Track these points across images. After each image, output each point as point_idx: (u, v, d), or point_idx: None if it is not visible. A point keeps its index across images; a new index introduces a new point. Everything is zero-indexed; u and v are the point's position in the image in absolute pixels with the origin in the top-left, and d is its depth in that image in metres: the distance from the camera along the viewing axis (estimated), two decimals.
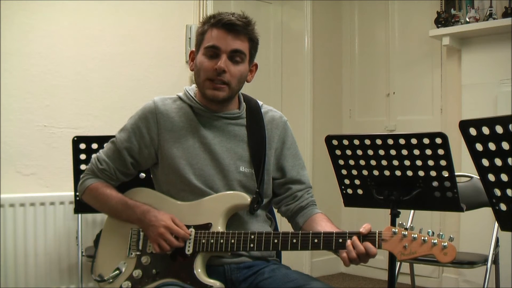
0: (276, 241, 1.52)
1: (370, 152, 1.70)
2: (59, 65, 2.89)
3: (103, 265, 1.69)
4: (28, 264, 2.68)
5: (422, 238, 1.39)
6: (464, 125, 1.43)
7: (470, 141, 1.43)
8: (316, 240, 1.48)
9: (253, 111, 1.76)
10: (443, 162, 1.61)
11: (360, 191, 1.80)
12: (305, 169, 1.81)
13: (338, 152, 1.76)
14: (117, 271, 1.64)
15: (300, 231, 1.58)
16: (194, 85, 1.78)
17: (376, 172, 1.73)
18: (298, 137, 1.85)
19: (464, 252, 2.76)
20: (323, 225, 1.64)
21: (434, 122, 3.79)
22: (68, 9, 2.91)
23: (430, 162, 1.63)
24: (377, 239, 1.43)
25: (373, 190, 1.75)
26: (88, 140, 2.34)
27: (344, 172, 1.79)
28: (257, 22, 1.71)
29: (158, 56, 3.25)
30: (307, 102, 4.11)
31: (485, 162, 1.42)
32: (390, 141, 1.66)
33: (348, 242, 1.44)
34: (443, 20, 3.54)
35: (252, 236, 1.54)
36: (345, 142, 1.73)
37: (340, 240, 1.46)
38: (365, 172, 1.75)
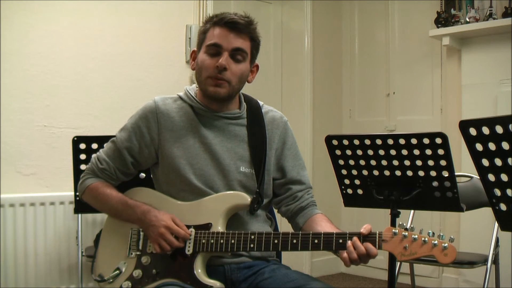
0: (276, 241, 1.52)
1: (370, 152, 1.70)
2: (59, 65, 2.89)
3: (103, 265, 1.69)
4: (28, 264, 2.68)
5: (423, 239, 1.39)
6: (464, 125, 1.43)
7: (470, 141, 1.43)
8: (316, 241, 1.48)
9: (254, 111, 1.76)
10: (443, 162, 1.61)
11: (360, 191, 1.80)
12: (306, 170, 1.81)
13: (338, 152, 1.76)
14: (117, 271, 1.64)
15: (300, 232, 1.58)
16: (194, 85, 1.78)
17: (376, 172, 1.73)
18: (298, 137, 1.85)
19: (464, 252, 2.76)
20: (323, 225, 1.64)
21: (434, 122, 3.79)
22: (68, 9, 2.91)
23: (430, 162, 1.63)
24: (377, 240, 1.43)
25: (373, 190, 1.75)
26: (88, 140, 2.34)
27: (344, 172, 1.80)
28: (257, 22, 1.71)
29: (158, 56, 3.25)
30: (307, 102, 4.11)
31: (485, 162, 1.42)
32: (390, 141, 1.66)
33: (349, 243, 1.44)
34: (443, 20, 3.54)
35: (252, 237, 1.54)
36: (345, 142, 1.73)
37: (340, 241, 1.46)
38: (365, 172, 1.75)
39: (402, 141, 1.64)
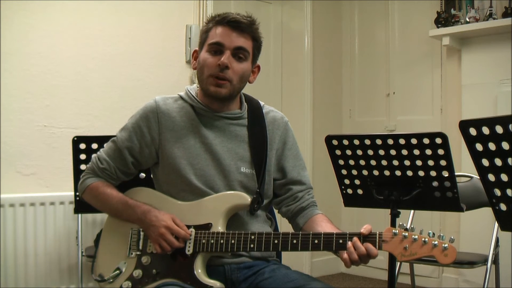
0: (276, 241, 1.52)
1: (370, 152, 1.70)
2: (59, 65, 2.89)
3: (103, 265, 1.69)
4: (28, 264, 2.68)
5: (423, 239, 1.39)
6: (464, 125, 1.43)
7: (470, 141, 1.43)
8: (316, 241, 1.48)
9: (255, 112, 1.76)
10: (443, 162, 1.61)
11: (360, 191, 1.80)
12: (306, 170, 1.81)
13: (338, 152, 1.76)
14: (118, 271, 1.64)
15: (300, 232, 1.58)
16: (195, 85, 1.78)
17: (376, 172, 1.73)
18: (298, 137, 1.85)
19: (464, 252, 2.76)
20: (324, 226, 1.64)
21: (434, 122, 3.79)
22: (68, 9, 2.91)
23: (430, 162, 1.63)
24: (377, 240, 1.43)
25: (373, 190, 1.75)
26: (88, 140, 2.34)
27: (344, 172, 1.80)
28: (259, 22, 1.71)
29: (158, 56, 3.25)
30: (307, 102, 4.11)
31: (485, 162, 1.43)
32: (390, 141, 1.66)
33: (349, 243, 1.44)
34: (443, 20, 3.54)
35: (252, 237, 1.54)
36: (345, 142, 1.73)
37: (341, 241, 1.46)
38: (365, 172, 1.75)
39: (402, 141, 1.64)
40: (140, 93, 3.12)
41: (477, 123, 1.40)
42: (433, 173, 1.64)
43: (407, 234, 1.40)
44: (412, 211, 2.74)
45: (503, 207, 1.46)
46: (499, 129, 1.37)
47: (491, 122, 1.38)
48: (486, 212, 1.98)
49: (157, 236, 1.58)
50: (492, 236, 2.51)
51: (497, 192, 1.44)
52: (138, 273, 1.62)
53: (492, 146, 1.40)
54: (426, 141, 1.60)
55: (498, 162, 1.40)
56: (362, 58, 4.29)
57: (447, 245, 1.37)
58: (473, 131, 1.42)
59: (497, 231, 2.51)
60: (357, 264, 1.44)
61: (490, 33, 3.38)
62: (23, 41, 2.76)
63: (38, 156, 2.81)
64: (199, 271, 1.56)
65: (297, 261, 3.87)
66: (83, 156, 2.33)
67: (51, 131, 2.86)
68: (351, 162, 1.76)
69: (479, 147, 1.42)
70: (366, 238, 1.44)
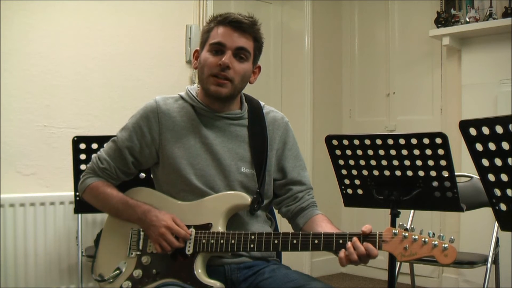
0: (276, 241, 1.52)
1: (370, 152, 1.70)
2: (59, 65, 2.89)
3: (103, 265, 1.69)
4: (28, 264, 2.68)
5: (423, 239, 1.39)
6: (464, 125, 1.43)
7: (470, 141, 1.43)
8: (316, 241, 1.48)
9: (255, 112, 1.76)
10: (443, 162, 1.61)
11: (360, 191, 1.80)
12: (306, 170, 1.81)
13: (338, 152, 1.76)
14: (118, 271, 1.64)
15: (300, 232, 1.58)
16: (196, 85, 1.78)
17: (376, 172, 1.73)
18: (298, 137, 1.85)
19: (464, 252, 2.76)
20: (324, 226, 1.64)
21: (434, 122, 3.79)
22: (68, 9, 2.91)
23: (430, 162, 1.63)
24: (377, 240, 1.43)
25: (373, 190, 1.75)
26: (88, 140, 2.34)
27: (344, 172, 1.80)
28: (261, 23, 1.72)
29: (158, 56, 3.25)
30: (307, 102, 4.11)
31: (485, 162, 1.43)
32: (390, 141, 1.66)
33: (349, 244, 1.44)
34: (443, 20, 3.54)
35: (253, 237, 1.54)
36: (345, 142, 1.73)
37: (341, 241, 1.46)
38: (365, 172, 1.75)
39: (402, 141, 1.64)
40: (140, 93, 3.12)
41: (477, 123, 1.40)
42: (433, 173, 1.64)
43: (407, 234, 1.40)
44: (412, 211, 2.74)
45: (503, 207, 1.46)
46: (499, 129, 1.37)
47: (491, 122, 1.38)
48: (486, 212, 1.98)
49: (157, 236, 1.58)
50: (492, 236, 2.51)
51: (497, 192, 1.44)
52: (138, 273, 1.62)
53: (492, 146, 1.40)
54: (426, 141, 1.60)
55: (498, 162, 1.40)
56: (362, 58, 4.29)
57: (447, 245, 1.37)
58: (473, 131, 1.42)
59: (497, 231, 2.51)
60: (356, 264, 1.44)
61: (490, 33, 3.38)
62: (23, 41, 2.76)
63: (38, 156, 2.81)
64: (199, 271, 1.56)
65: (297, 261, 3.87)
66: (83, 156, 2.33)
67: (51, 131, 2.86)
68: (351, 162, 1.76)
69: (479, 147, 1.42)
70: (366, 238, 1.44)
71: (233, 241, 1.55)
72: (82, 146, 2.34)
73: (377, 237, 1.43)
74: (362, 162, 1.74)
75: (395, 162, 1.68)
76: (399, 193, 1.70)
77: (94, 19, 3.00)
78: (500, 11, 3.35)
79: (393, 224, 1.68)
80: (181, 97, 1.74)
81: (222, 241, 1.56)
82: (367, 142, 1.69)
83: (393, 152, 1.66)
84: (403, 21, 4.01)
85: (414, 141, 1.62)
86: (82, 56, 2.96)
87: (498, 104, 3.31)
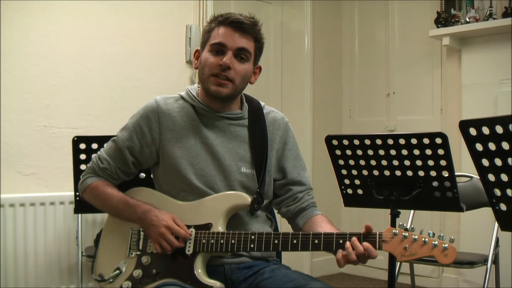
0: (276, 241, 1.52)
1: (370, 152, 1.70)
2: (59, 65, 2.89)
3: (103, 265, 1.69)
4: (28, 264, 2.68)
5: (423, 239, 1.39)
6: (464, 125, 1.43)
7: (470, 141, 1.43)
8: (316, 241, 1.48)
9: (255, 112, 1.76)
10: (443, 162, 1.61)
11: (360, 191, 1.80)
12: (306, 171, 1.81)
13: (338, 152, 1.76)
14: (118, 271, 1.64)
15: (300, 232, 1.58)
16: (196, 85, 1.78)
17: (376, 172, 1.73)
18: (298, 137, 1.85)
19: (464, 252, 2.76)
20: (323, 226, 1.64)
21: (434, 122, 3.79)
22: (68, 9, 2.91)
23: (430, 162, 1.63)
24: (377, 240, 1.43)
25: (373, 190, 1.75)
26: (88, 140, 2.34)
27: (344, 172, 1.80)
28: (261, 23, 1.72)
29: (158, 56, 3.25)
30: (307, 102, 4.11)
31: (485, 162, 1.43)
32: (390, 141, 1.66)
33: (347, 244, 1.44)
34: (443, 20, 3.54)
35: (253, 237, 1.54)
36: (345, 142, 1.73)
37: (341, 241, 1.46)
38: (365, 172, 1.75)
39: (402, 141, 1.64)
40: (140, 93, 3.12)
41: (477, 123, 1.40)
42: (433, 173, 1.64)
43: (407, 234, 1.40)
44: (412, 211, 2.74)
45: (503, 207, 1.46)
46: (499, 129, 1.37)
47: (491, 122, 1.38)
48: (486, 212, 1.98)
49: (157, 235, 1.58)
50: (492, 236, 2.51)
51: (497, 192, 1.44)
52: (138, 273, 1.62)
53: (492, 146, 1.40)
54: (426, 141, 1.60)
55: (498, 162, 1.40)
56: (362, 58, 4.29)
57: (447, 245, 1.37)
58: (473, 131, 1.42)
59: (497, 231, 2.51)
60: (355, 263, 1.44)
61: (490, 33, 3.38)
62: (23, 41, 2.76)
63: (38, 156, 2.81)
64: (199, 271, 1.56)
65: (297, 261, 3.87)
66: (83, 156, 2.33)
67: (51, 131, 2.86)
68: (351, 162, 1.76)
69: (479, 147, 1.42)
70: (366, 238, 1.44)
71: (233, 241, 1.55)
72: (82, 146, 2.34)
73: (377, 237, 1.43)
74: (362, 162, 1.74)
75: (395, 162, 1.68)
76: (399, 193, 1.70)
77: (94, 19, 3.00)
78: (500, 11, 3.35)
79: (393, 224, 1.68)
80: (182, 97, 1.74)
81: (222, 241, 1.56)
82: (367, 142, 1.69)
83: (393, 152, 1.66)
84: (403, 21, 4.01)
85: (414, 141, 1.62)
86: (82, 56, 2.96)
87: (498, 104, 3.31)
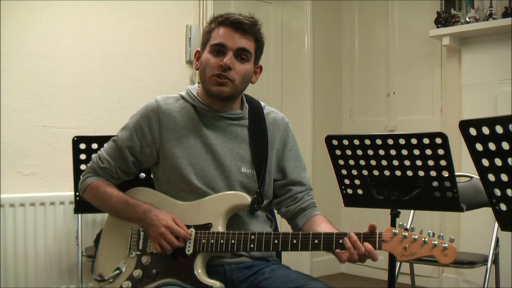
0: (276, 241, 1.52)
1: (370, 152, 1.71)
2: (59, 65, 2.89)
3: (103, 265, 1.69)
4: (28, 264, 2.68)
5: (423, 239, 1.39)
6: (464, 125, 1.43)
7: (470, 141, 1.43)
8: (316, 241, 1.48)
9: (256, 112, 1.76)
10: (443, 162, 1.61)
11: (360, 191, 1.80)
12: (306, 171, 1.81)
13: (338, 152, 1.77)
14: (118, 271, 1.64)
15: (300, 232, 1.58)
16: (196, 85, 1.78)
17: (376, 172, 1.73)
18: (298, 137, 1.85)
19: (464, 252, 2.76)
20: (323, 226, 1.64)
21: (434, 122, 3.79)
22: (68, 9, 2.91)
23: (430, 162, 1.63)
24: (377, 240, 1.43)
25: (373, 190, 1.75)
26: (88, 140, 2.34)
27: (344, 172, 1.80)
28: (261, 23, 1.72)
29: (158, 56, 3.25)
30: (307, 102, 4.11)
31: (485, 162, 1.43)
32: (390, 141, 1.66)
33: (349, 243, 1.44)
34: (443, 20, 3.54)
35: (252, 237, 1.54)
36: (345, 142, 1.74)
37: (340, 241, 1.46)
38: (365, 172, 1.75)
39: (402, 141, 1.64)
40: (140, 93, 3.12)
41: (477, 123, 1.40)
42: (433, 173, 1.64)
43: (407, 234, 1.40)
44: (412, 211, 2.74)
45: (503, 207, 1.46)
46: (499, 129, 1.37)
47: (491, 122, 1.38)
48: (486, 212, 1.98)
49: (157, 235, 1.58)
50: (492, 236, 2.51)
51: (497, 192, 1.44)
52: (138, 273, 1.62)
53: (492, 146, 1.40)
54: (426, 141, 1.60)
55: (498, 162, 1.40)
56: (362, 58, 4.29)
57: (447, 245, 1.37)
58: (473, 131, 1.42)
59: (497, 231, 2.51)
60: (355, 262, 1.44)
61: (490, 33, 3.38)
62: (23, 41, 2.76)
63: (38, 156, 2.81)
64: (199, 271, 1.56)
65: (297, 261, 3.87)
66: (83, 156, 2.33)
67: (51, 131, 2.86)
68: (351, 162, 1.76)
69: (479, 147, 1.42)
70: (366, 238, 1.44)
71: (233, 241, 1.55)
72: (82, 146, 2.33)
73: (377, 237, 1.43)
74: (362, 162, 1.74)
75: (395, 162, 1.68)
76: (399, 193, 1.70)
77: (94, 19, 3.00)
78: (500, 11, 3.35)
79: (393, 224, 1.68)
80: (182, 97, 1.75)
81: (222, 241, 1.56)
82: (367, 142, 1.70)
83: (393, 152, 1.67)
84: (403, 21, 4.01)
85: (414, 141, 1.62)
86: (82, 56, 2.96)
87: (498, 104, 3.31)
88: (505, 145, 1.37)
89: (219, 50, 1.64)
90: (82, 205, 2.23)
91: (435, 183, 1.66)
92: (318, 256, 4.03)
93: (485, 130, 1.39)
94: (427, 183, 1.67)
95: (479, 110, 3.34)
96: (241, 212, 1.66)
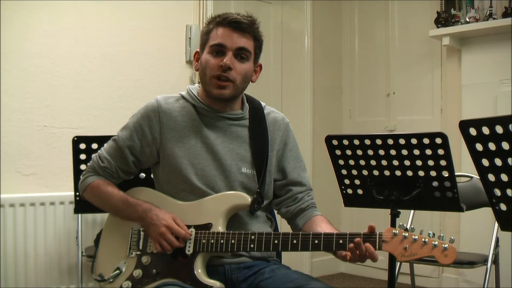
0: (276, 241, 1.52)
1: (370, 152, 1.71)
2: (59, 65, 2.89)
3: (103, 265, 1.69)
4: (28, 264, 2.68)
5: (423, 239, 1.39)
6: (464, 125, 1.43)
7: (470, 141, 1.43)
8: (316, 241, 1.48)
9: (256, 112, 1.76)
10: (443, 162, 1.61)
11: (360, 191, 1.80)
12: (306, 171, 1.81)
13: (338, 152, 1.77)
14: (118, 271, 1.64)
15: (300, 232, 1.58)
16: (197, 84, 1.78)
17: (376, 172, 1.73)
18: (298, 137, 1.85)
19: (464, 252, 2.76)
20: (323, 226, 1.64)
21: (434, 122, 3.79)
22: (68, 9, 2.91)
23: (430, 162, 1.63)
24: (377, 240, 1.43)
25: (373, 190, 1.75)
26: (88, 140, 2.34)
27: (344, 172, 1.80)
28: (260, 22, 1.72)
29: (158, 56, 3.25)
30: (307, 102, 4.11)
31: (485, 162, 1.43)
32: (390, 141, 1.66)
33: (351, 245, 1.44)
34: (443, 20, 3.54)
35: (253, 237, 1.54)
36: (345, 142, 1.74)
37: (341, 241, 1.46)
38: (365, 172, 1.75)
39: (402, 141, 1.64)
40: (140, 93, 3.12)
41: (477, 123, 1.40)
42: (433, 173, 1.64)
43: (407, 234, 1.40)
44: (412, 211, 2.74)
45: (503, 207, 1.46)
46: (499, 129, 1.37)
47: (491, 122, 1.38)
48: (486, 212, 1.98)
49: (158, 235, 1.58)
50: (492, 236, 2.51)
51: (497, 192, 1.44)
52: (138, 273, 1.62)
53: (492, 146, 1.40)
54: (426, 141, 1.60)
55: (498, 162, 1.40)
56: (362, 58, 4.29)
57: (447, 245, 1.37)
58: (473, 131, 1.42)
59: (497, 231, 2.51)
60: (355, 262, 1.45)
61: (490, 33, 3.38)
62: (23, 41, 2.76)
63: (38, 156, 2.81)
64: (199, 271, 1.56)
65: (297, 261, 3.87)
66: (83, 156, 2.33)
67: (51, 131, 2.86)
68: (351, 162, 1.76)
69: (479, 147, 1.42)
70: (366, 238, 1.44)
71: (233, 241, 1.55)
72: (82, 146, 2.33)
73: (377, 237, 1.43)
74: (362, 162, 1.74)
75: (395, 162, 1.68)
76: (399, 193, 1.70)
77: (94, 19, 3.00)
78: (500, 11, 3.35)
79: (393, 224, 1.68)
80: (182, 97, 1.74)
81: (222, 241, 1.56)
82: (367, 142, 1.70)
83: (393, 152, 1.67)
84: (403, 21, 4.01)
85: (414, 141, 1.62)
86: (82, 56, 2.96)
87: (498, 104, 3.31)
88: (505, 145, 1.38)
89: (219, 50, 1.64)
90: (82, 205, 2.23)
91: (435, 183, 1.66)
92: (318, 256, 4.03)
93: (485, 130, 1.39)
94: (427, 183, 1.67)
95: (479, 110, 3.34)
96: (241, 212, 1.66)
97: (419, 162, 1.64)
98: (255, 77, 1.75)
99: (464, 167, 2.93)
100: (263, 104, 1.81)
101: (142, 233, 1.66)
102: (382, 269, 3.77)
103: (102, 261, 1.70)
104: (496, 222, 1.60)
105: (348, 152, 1.75)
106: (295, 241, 1.50)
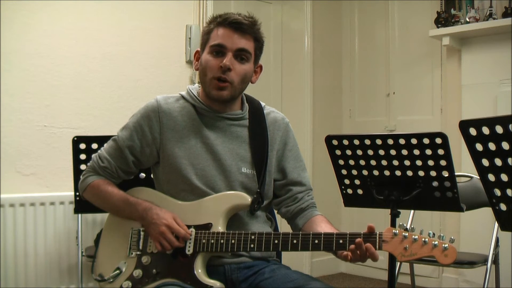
0: (276, 241, 1.52)
1: (370, 152, 1.71)
2: (59, 65, 2.89)
3: (103, 265, 1.69)
4: (28, 264, 2.68)
5: (423, 239, 1.39)
6: (464, 125, 1.43)
7: (470, 141, 1.43)
8: (316, 241, 1.48)
9: (256, 112, 1.76)
10: (443, 162, 1.61)
11: (360, 191, 1.80)
12: (306, 171, 1.81)
13: (338, 152, 1.77)
14: (118, 271, 1.64)
15: (300, 232, 1.58)
16: (197, 84, 1.78)
17: (376, 172, 1.73)
18: (298, 137, 1.86)
19: (464, 252, 2.76)
20: (323, 226, 1.64)
21: (434, 122, 3.79)
22: (68, 9, 2.91)
23: (430, 162, 1.63)
24: (377, 240, 1.43)
25: (373, 190, 1.75)
26: (88, 140, 2.34)
27: (344, 172, 1.80)
28: (261, 22, 1.71)
29: (158, 56, 3.25)
30: (307, 102, 4.11)
31: (485, 162, 1.43)
32: (390, 141, 1.66)
33: (352, 246, 1.44)
34: (443, 20, 3.54)
35: (253, 237, 1.54)
36: (345, 142, 1.74)
37: (341, 241, 1.46)
38: (365, 172, 1.75)
39: (402, 141, 1.64)
40: (140, 93, 3.12)
41: (477, 123, 1.40)
42: (433, 173, 1.64)
43: (407, 234, 1.40)
44: (412, 211, 2.74)
45: (503, 207, 1.46)
46: (499, 129, 1.37)
47: (491, 122, 1.38)
48: (486, 212, 1.98)
49: (158, 234, 1.58)
50: (492, 236, 2.51)
51: (497, 192, 1.44)
52: (138, 273, 1.62)
53: (492, 146, 1.40)
54: (426, 141, 1.60)
55: (498, 162, 1.40)
56: (362, 58, 4.29)
57: (447, 245, 1.37)
58: (473, 131, 1.42)
59: (497, 231, 2.51)
60: (355, 261, 1.45)
61: (490, 33, 3.38)
62: (23, 41, 2.76)
63: (38, 156, 2.81)
64: (199, 271, 1.56)
65: (297, 261, 3.87)
66: (83, 156, 2.33)
67: (51, 131, 2.86)
68: (351, 162, 1.76)
69: (479, 147, 1.42)
70: (367, 238, 1.44)
71: (233, 241, 1.55)
72: (82, 146, 2.33)
73: (377, 237, 1.43)
74: (362, 162, 1.74)
75: (395, 162, 1.68)
76: (399, 193, 1.70)
77: (94, 19, 3.00)
78: (500, 11, 3.35)
79: (393, 224, 1.68)
80: (182, 97, 1.74)
81: (222, 241, 1.56)
82: (367, 142, 1.70)
83: (393, 152, 1.67)
84: (403, 21, 4.01)
85: (414, 141, 1.62)
86: (82, 56, 2.96)
87: (498, 104, 3.31)
88: (505, 145, 1.38)
89: (219, 50, 1.64)
90: (82, 205, 2.23)
91: (435, 183, 1.66)
92: (318, 256, 4.04)
93: (485, 130, 1.39)
94: (427, 183, 1.67)
95: (479, 110, 3.34)
96: (241, 212, 1.66)
97: (419, 162, 1.64)
98: (255, 78, 1.75)
99: (464, 167, 2.93)
100: (263, 104, 1.81)
101: (142, 233, 1.66)
102: (382, 269, 3.77)
103: (102, 261, 1.70)
104: (496, 222, 1.60)
105: (348, 152, 1.75)
106: (295, 241, 1.50)
